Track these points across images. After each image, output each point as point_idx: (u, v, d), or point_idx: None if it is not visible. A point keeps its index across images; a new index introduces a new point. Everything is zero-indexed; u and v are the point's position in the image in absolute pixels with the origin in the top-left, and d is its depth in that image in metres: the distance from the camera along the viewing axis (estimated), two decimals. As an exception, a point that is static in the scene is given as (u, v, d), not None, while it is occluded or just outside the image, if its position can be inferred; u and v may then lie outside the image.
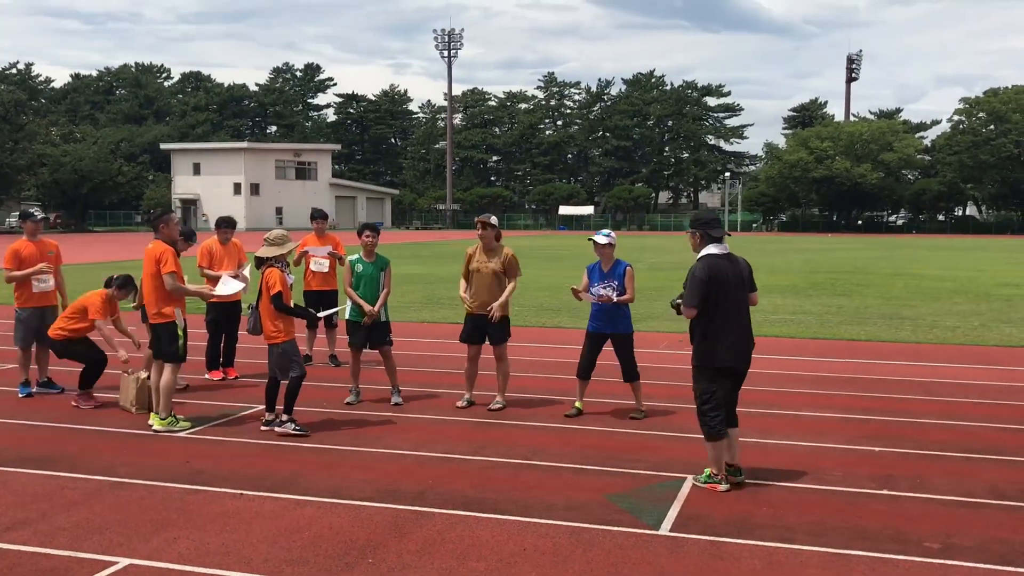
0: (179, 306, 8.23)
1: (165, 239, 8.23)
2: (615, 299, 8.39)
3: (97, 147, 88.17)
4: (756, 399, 9.39)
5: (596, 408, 8.92)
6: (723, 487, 6.36)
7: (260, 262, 7.96)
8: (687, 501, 6.12)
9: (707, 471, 6.48)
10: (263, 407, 8.28)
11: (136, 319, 9.66)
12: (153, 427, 8.03)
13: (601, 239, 8.53)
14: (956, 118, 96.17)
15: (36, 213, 9.93)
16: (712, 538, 5.45)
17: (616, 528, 5.60)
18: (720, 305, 6.33)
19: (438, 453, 7.29)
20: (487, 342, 8.86)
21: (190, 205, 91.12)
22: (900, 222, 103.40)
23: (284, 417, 7.81)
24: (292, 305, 7.94)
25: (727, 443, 6.46)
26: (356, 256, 9.24)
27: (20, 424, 8.28)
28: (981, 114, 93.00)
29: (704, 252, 6.44)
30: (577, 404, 8.72)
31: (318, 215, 11.39)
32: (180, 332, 8.18)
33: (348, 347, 9.27)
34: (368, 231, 9.22)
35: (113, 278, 9.34)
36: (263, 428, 7.96)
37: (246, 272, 10.09)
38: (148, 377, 8.56)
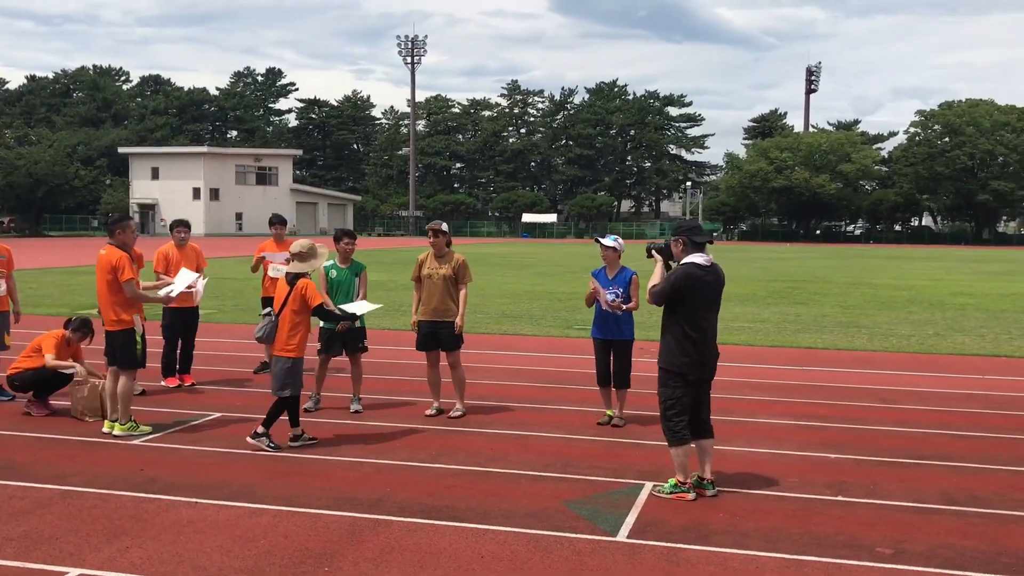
0: (138, 312, 8.10)
1: (119, 244, 8.09)
2: (624, 308, 8.36)
3: (53, 150, 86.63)
4: (714, 406, 9.41)
5: (557, 416, 8.94)
6: (690, 496, 6.33)
7: (295, 278, 7.63)
8: (645, 508, 6.14)
9: (671, 480, 6.43)
10: (219, 414, 8.17)
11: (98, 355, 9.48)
12: (113, 433, 7.89)
13: (607, 242, 8.52)
14: (912, 130, 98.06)
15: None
16: (669, 544, 5.47)
17: (574, 535, 5.60)
18: (694, 315, 6.33)
19: (397, 461, 7.26)
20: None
21: (148, 210, 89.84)
22: (858, 232, 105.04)
23: (260, 430, 7.55)
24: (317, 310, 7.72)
25: (691, 451, 6.45)
26: (331, 263, 9.17)
27: (-31, 432, 8.10)
28: (936, 127, 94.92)
29: (687, 259, 6.38)
30: (608, 412, 8.64)
31: (276, 220, 11.30)
32: (139, 338, 8.04)
33: (317, 355, 9.18)
34: (347, 237, 9.24)
35: (70, 320, 9.18)
36: (291, 444, 7.63)
37: (200, 286, 9.61)
38: (102, 385, 8.41)
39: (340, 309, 8.21)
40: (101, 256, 8.03)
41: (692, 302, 6.33)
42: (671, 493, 6.36)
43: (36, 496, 6.24)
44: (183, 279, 9.20)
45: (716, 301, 6.48)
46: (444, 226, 8.89)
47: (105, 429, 7.99)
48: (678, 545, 5.47)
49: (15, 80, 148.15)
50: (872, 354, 13.52)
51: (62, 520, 5.76)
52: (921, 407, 9.66)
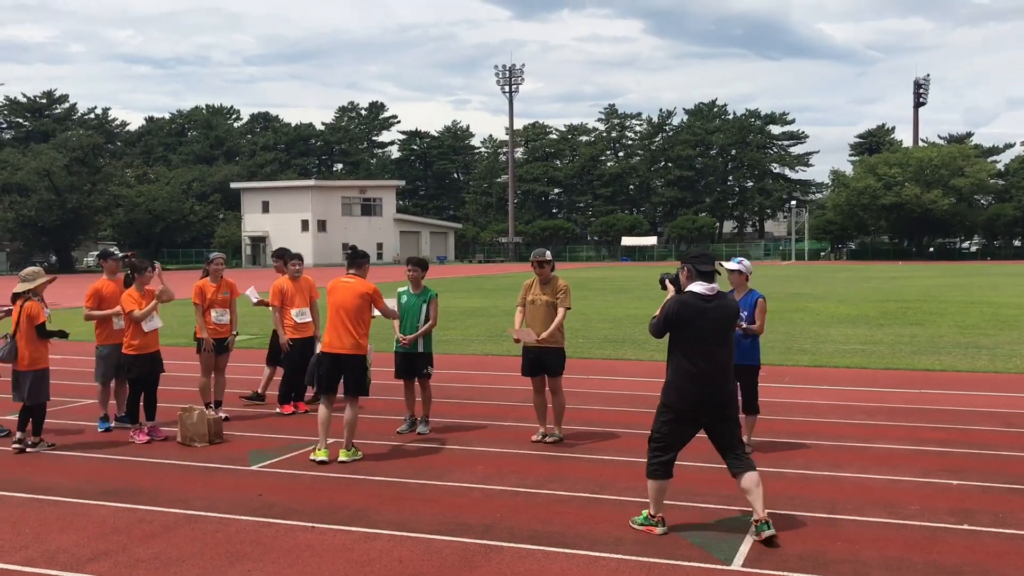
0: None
1: (362, 275, 8.57)
2: (744, 326, 8.13)
3: (170, 187, 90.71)
4: (828, 431, 9.22)
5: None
6: (659, 530, 6.04)
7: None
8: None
9: (644, 512, 6.21)
10: (331, 440, 8.38)
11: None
12: (340, 460, 8.13)
13: (732, 265, 8.47)
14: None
15: (115, 252, 10.26)
16: (785, 573, 5.34)
17: (687, 563, 5.53)
18: (692, 347, 6.04)
19: (505, 486, 7.30)
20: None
21: (259, 242, 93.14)
22: (974, 248, 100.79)
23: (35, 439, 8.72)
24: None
25: (664, 488, 6.15)
26: (404, 288, 9.45)
27: (100, 458, 8.51)
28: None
29: (688, 288, 6.16)
30: None
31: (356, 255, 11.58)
32: (368, 365, 8.53)
33: (397, 378, 9.48)
34: (411, 265, 9.44)
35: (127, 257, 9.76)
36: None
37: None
38: (206, 411, 8.96)
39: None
40: (348, 284, 8.37)
41: (688, 333, 6.04)
42: (641, 525, 6.13)
43: (163, 520, 6.51)
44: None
45: (721, 333, 6.11)
46: (547, 255, 8.99)
47: (342, 458, 8.16)
48: (794, 574, 5.33)
49: (135, 122, 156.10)
50: (994, 376, 12.94)
51: (188, 543, 6.00)
52: (1051, 431, 9.18)
